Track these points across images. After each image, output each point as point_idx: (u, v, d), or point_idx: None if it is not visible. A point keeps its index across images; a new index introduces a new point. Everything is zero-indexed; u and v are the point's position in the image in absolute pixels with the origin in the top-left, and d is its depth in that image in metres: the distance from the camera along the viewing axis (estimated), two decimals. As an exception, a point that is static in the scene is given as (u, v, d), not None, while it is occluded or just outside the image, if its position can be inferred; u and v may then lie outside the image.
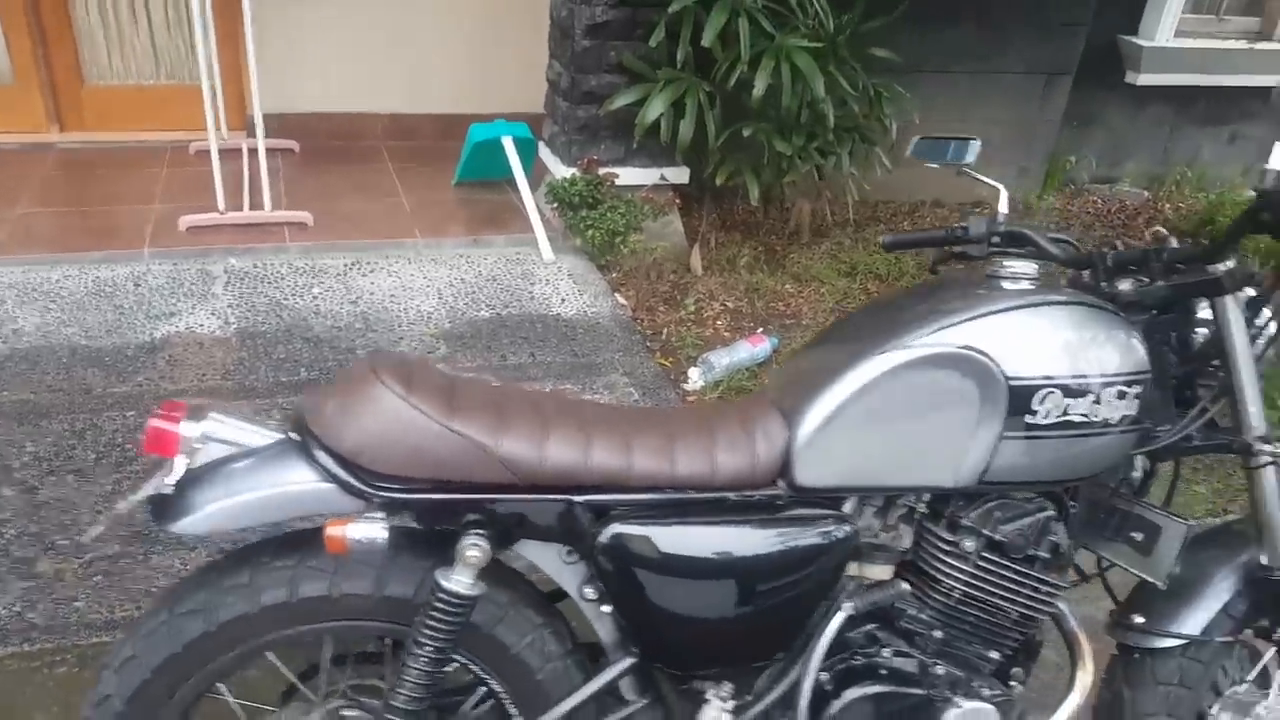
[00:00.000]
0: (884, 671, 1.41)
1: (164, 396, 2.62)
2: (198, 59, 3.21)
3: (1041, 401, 1.30)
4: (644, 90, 3.46)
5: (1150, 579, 1.54)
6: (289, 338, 2.96)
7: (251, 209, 3.49)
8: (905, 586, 1.37)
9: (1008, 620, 1.44)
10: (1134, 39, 4.91)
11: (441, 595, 1.19)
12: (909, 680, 1.41)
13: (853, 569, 1.41)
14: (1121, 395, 1.33)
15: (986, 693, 1.44)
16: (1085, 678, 1.49)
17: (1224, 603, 1.51)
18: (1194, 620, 1.50)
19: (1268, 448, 1.41)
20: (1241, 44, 5.13)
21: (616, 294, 3.50)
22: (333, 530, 1.12)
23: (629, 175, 3.66)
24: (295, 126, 4.21)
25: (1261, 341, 1.48)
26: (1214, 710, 1.67)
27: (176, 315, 2.98)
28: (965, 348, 1.29)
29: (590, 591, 1.32)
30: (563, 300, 3.35)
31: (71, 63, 4.05)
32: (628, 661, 1.34)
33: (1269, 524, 1.47)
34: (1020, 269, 1.41)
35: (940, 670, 1.42)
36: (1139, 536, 1.54)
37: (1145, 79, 4.93)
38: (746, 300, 3.66)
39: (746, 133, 3.45)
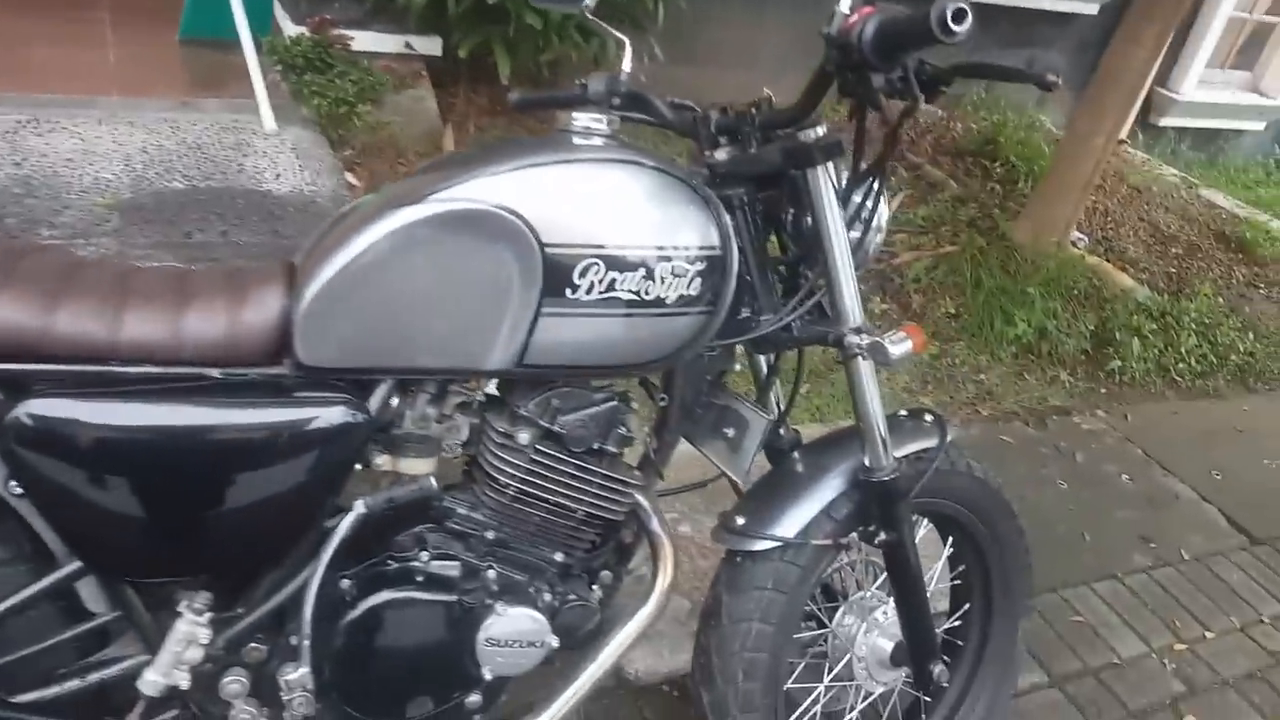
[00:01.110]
0: (420, 578, 1.24)
1: None
2: None
3: (583, 274, 1.12)
4: (382, -58, 3.08)
5: (733, 476, 1.43)
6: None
7: (-96, 47, 2.94)
8: (432, 484, 1.19)
9: (573, 520, 1.29)
10: (937, -52, 4.80)
11: None
12: (448, 586, 1.25)
13: (385, 463, 1.22)
14: (679, 273, 1.17)
15: (547, 599, 1.30)
16: (665, 582, 1.37)
17: (824, 505, 1.41)
18: (790, 523, 1.40)
19: (856, 340, 1.29)
20: (1043, -35, 5.13)
21: (348, 173, 3.16)
22: None
23: (367, 40, 3.29)
24: (-10, -41, 3.59)
25: (861, 225, 1.35)
26: (839, 614, 1.62)
27: None
28: (494, 205, 1.09)
29: (16, 485, 1.07)
30: (278, 176, 2.99)
31: None
32: (69, 568, 1.11)
33: (865, 421, 1.37)
34: (593, 124, 1.22)
35: (491, 574, 1.26)
36: (730, 432, 1.42)
37: (948, -7, 4.86)
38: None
39: (491, 0, 3.14)
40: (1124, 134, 5.01)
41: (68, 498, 1.05)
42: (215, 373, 1.08)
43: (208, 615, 1.13)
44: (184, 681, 1.13)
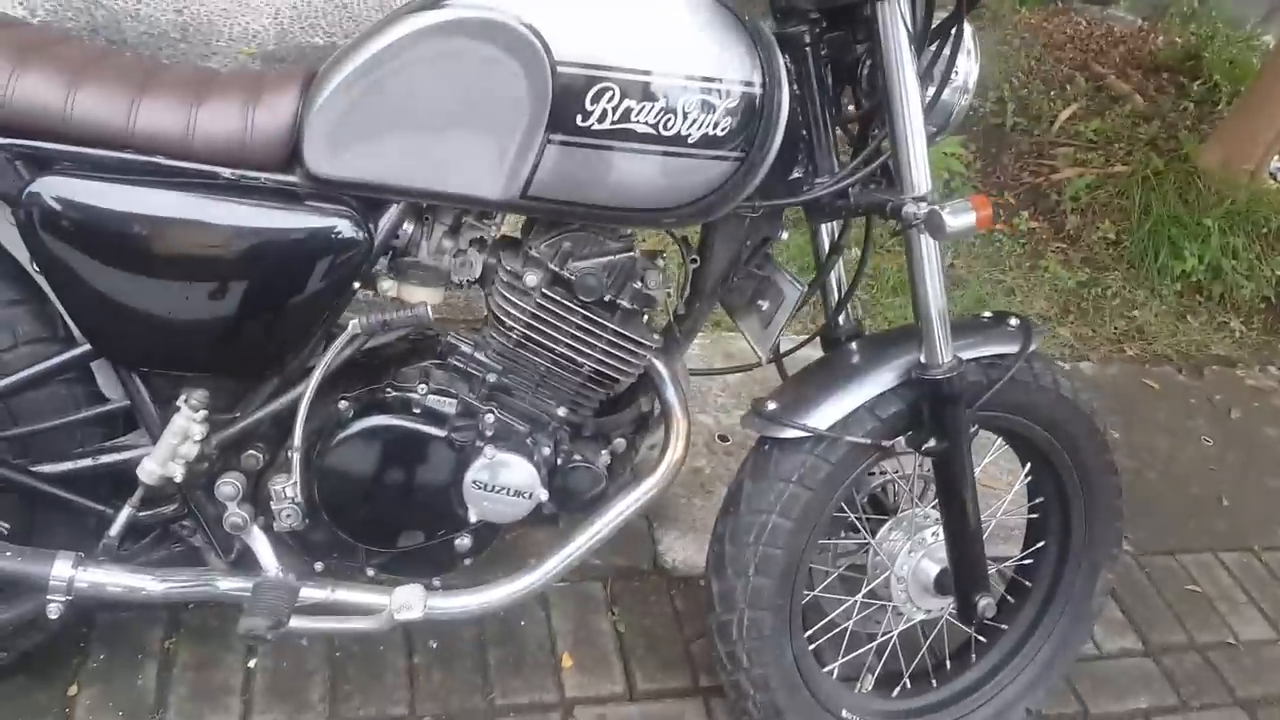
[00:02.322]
0: (416, 409, 1.23)
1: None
2: None
3: (596, 99, 1.03)
4: None
5: (757, 350, 1.32)
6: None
7: (88, -105, 3.11)
8: (427, 312, 1.15)
9: (579, 375, 1.23)
10: None
11: None
12: (441, 421, 1.23)
13: (390, 289, 1.20)
14: (707, 109, 1.05)
15: (546, 453, 1.25)
16: (674, 455, 1.30)
17: (868, 400, 1.28)
18: (827, 414, 1.28)
19: (914, 209, 1.13)
20: None
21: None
22: None
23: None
24: None
25: (936, 79, 1.17)
26: (887, 527, 1.50)
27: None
28: (505, 14, 1.01)
29: (34, 263, 1.12)
30: (410, 39, 3.02)
31: None
32: (77, 351, 1.17)
33: (922, 309, 1.22)
34: None
35: (490, 419, 1.23)
36: (764, 304, 1.31)
37: (1176, -119, 4.22)
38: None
39: None
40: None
41: (75, 278, 1.09)
42: (226, 172, 1.08)
43: (203, 413, 1.16)
44: (178, 474, 1.17)
